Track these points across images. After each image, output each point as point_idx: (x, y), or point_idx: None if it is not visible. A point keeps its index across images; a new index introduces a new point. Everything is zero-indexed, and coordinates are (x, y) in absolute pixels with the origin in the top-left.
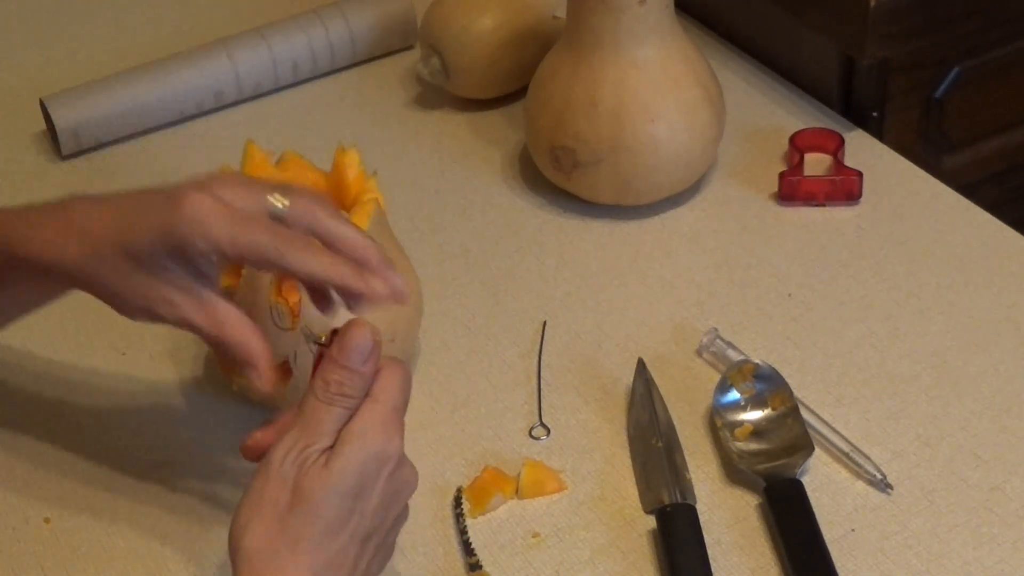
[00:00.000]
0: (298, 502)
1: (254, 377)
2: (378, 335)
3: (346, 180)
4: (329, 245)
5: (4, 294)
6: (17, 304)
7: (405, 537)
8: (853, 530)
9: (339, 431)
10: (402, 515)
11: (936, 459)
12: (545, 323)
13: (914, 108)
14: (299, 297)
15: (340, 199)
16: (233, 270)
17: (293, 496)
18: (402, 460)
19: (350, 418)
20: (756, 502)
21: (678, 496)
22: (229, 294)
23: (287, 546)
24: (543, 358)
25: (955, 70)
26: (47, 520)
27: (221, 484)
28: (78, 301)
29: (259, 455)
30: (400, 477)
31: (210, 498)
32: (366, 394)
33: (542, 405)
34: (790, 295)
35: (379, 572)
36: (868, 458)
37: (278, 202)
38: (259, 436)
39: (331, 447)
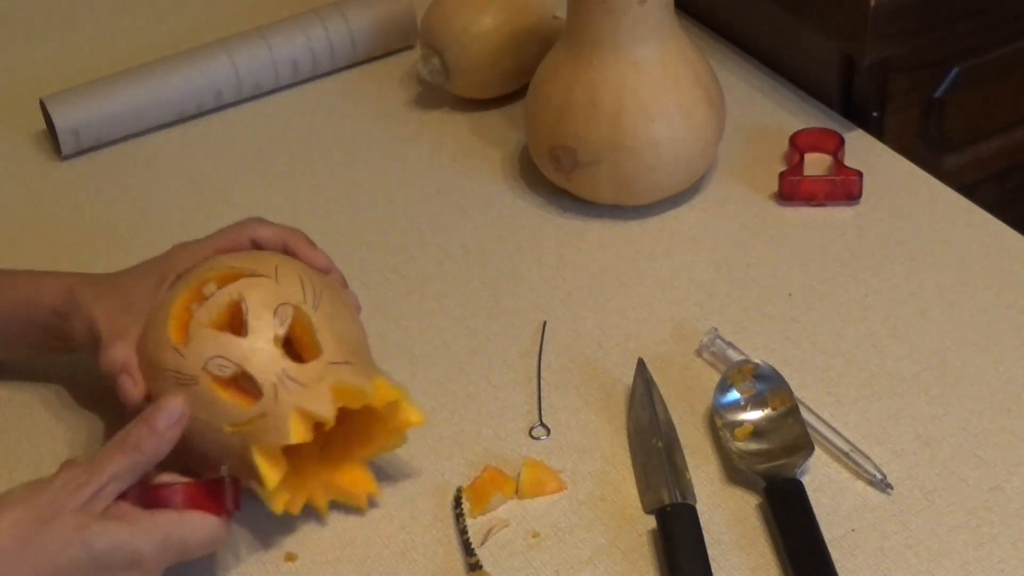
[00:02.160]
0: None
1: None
2: (186, 413)
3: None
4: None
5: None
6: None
7: (405, 537)
8: (853, 530)
9: (119, 479)
10: None
11: (936, 459)
12: (545, 323)
13: (914, 108)
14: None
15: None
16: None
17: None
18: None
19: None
20: (756, 502)
21: (678, 496)
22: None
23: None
24: (543, 358)
25: (955, 70)
26: None
27: None
28: None
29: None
30: None
31: None
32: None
33: (542, 405)
34: (790, 295)
35: None
36: (868, 458)
37: None
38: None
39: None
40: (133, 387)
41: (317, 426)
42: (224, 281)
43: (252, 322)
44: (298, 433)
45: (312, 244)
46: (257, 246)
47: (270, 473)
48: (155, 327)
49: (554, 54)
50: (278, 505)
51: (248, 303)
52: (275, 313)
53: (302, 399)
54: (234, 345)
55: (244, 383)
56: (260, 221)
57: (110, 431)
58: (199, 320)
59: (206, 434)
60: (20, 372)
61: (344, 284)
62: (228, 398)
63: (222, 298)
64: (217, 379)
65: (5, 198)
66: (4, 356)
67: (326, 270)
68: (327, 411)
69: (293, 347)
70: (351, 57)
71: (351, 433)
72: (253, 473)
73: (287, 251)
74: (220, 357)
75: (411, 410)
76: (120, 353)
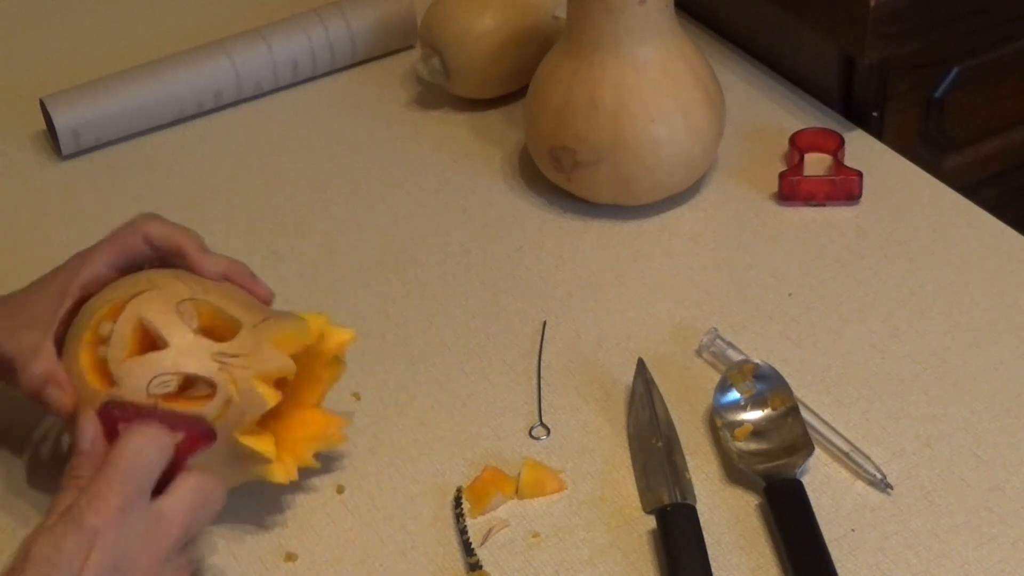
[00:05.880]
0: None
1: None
2: (97, 425)
3: None
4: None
5: None
6: None
7: (405, 537)
8: (853, 530)
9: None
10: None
11: (936, 459)
12: (545, 323)
13: (914, 108)
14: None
15: None
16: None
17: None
18: (102, 536)
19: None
20: (756, 502)
21: (678, 496)
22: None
23: None
24: (543, 358)
25: (955, 70)
26: None
27: None
28: None
29: None
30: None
31: None
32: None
33: (542, 405)
34: (790, 295)
35: None
36: (868, 458)
37: None
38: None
39: None
40: (63, 395)
41: (280, 383)
42: (114, 314)
43: (164, 330)
44: (269, 396)
45: (203, 248)
46: (150, 243)
47: (265, 446)
48: (79, 386)
49: (554, 54)
50: (282, 475)
51: (149, 317)
52: (178, 313)
53: (253, 366)
54: (162, 359)
55: (193, 386)
56: (152, 217)
57: None
58: (115, 357)
59: None
60: None
61: (253, 277)
62: (186, 407)
63: (124, 327)
64: (167, 397)
65: (5, 198)
66: None
67: (218, 277)
68: (284, 363)
69: (215, 337)
70: (351, 57)
71: (296, 386)
72: (249, 458)
73: (178, 253)
74: (156, 376)
75: (339, 330)
76: (40, 367)
